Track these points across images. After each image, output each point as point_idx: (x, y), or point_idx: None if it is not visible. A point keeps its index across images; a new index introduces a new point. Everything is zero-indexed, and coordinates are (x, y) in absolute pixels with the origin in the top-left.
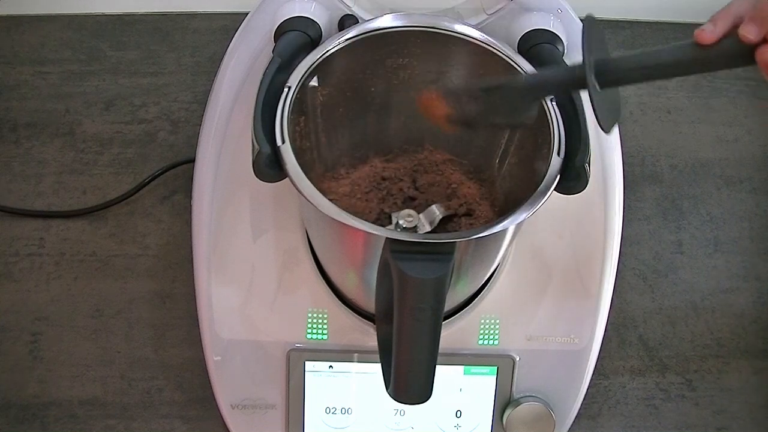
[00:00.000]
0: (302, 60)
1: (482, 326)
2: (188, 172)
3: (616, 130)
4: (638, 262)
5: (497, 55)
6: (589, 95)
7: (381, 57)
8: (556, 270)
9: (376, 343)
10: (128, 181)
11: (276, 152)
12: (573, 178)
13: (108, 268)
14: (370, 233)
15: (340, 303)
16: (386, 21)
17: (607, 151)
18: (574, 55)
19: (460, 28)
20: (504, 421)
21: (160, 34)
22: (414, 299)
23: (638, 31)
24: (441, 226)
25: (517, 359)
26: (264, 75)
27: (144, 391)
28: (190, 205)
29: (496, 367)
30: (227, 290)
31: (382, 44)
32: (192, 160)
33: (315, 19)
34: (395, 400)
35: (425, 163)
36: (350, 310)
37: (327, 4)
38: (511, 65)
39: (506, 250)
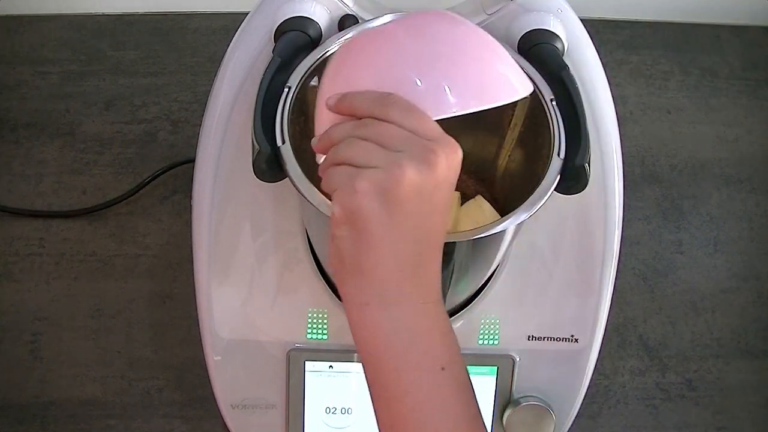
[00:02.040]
0: (302, 60)
1: (482, 326)
2: (188, 172)
3: (615, 129)
4: (638, 262)
5: None
6: None
7: None
8: (556, 270)
9: None
10: (128, 181)
11: (276, 152)
12: (573, 178)
13: (108, 268)
14: None
15: (340, 303)
16: (386, 21)
17: (607, 151)
18: (574, 55)
19: None
20: (504, 421)
21: (160, 34)
22: None
23: (638, 31)
24: None
25: (517, 359)
26: (264, 75)
27: (144, 391)
28: (190, 205)
29: (496, 367)
30: (227, 290)
31: None
32: (192, 160)
33: (315, 19)
34: None
35: None
36: None
37: (327, 4)
38: None
39: (506, 250)
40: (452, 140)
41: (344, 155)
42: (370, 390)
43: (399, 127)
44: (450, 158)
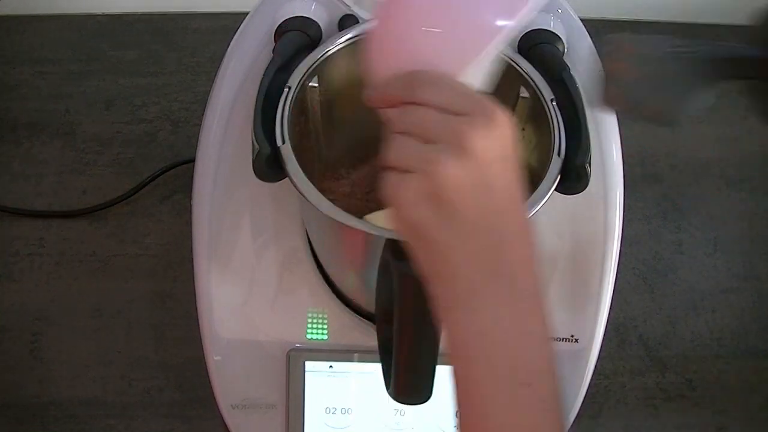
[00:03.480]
0: (302, 60)
1: None
2: (188, 172)
3: (615, 129)
4: (638, 262)
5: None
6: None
7: None
8: (556, 270)
9: (376, 343)
10: (128, 181)
11: (276, 152)
12: (573, 178)
13: (108, 268)
14: (370, 233)
15: (340, 303)
16: None
17: (607, 151)
18: (574, 55)
19: None
20: None
21: (160, 34)
22: (414, 299)
23: (638, 31)
24: None
25: None
26: (264, 75)
27: (144, 391)
28: (190, 205)
29: None
30: (227, 290)
31: None
32: (192, 160)
33: (315, 19)
34: (395, 400)
35: None
36: (350, 310)
37: (327, 4)
38: (511, 65)
39: None
40: (487, 108)
41: (387, 158)
42: (458, 407)
43: (430, 107)
44: (490, 132)
